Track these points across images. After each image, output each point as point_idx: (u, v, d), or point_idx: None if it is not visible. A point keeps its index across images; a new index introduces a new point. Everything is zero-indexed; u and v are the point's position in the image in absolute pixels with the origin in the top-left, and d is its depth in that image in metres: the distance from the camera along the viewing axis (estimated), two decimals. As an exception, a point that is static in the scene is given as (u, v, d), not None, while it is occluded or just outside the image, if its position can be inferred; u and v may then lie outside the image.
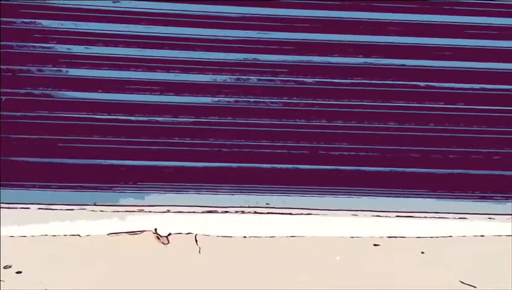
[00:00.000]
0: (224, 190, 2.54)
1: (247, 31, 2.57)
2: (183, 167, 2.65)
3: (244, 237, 2.34)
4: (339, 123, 2.69)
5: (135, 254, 2.12)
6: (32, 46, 2.48)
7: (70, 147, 2.58)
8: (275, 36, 2.57)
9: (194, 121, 2.54)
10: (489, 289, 1.99)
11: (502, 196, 2.77)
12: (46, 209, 2.52)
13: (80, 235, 2.26)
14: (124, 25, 2.52)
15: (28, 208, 2.51)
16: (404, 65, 2.68)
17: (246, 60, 2.60)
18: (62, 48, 2.53)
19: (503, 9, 2.64)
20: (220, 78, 2.61)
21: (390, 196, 2.73)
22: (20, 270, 1.97)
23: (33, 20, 2.45)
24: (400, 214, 2.69)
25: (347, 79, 2.67)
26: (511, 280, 2.05)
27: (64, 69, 2.53)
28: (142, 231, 2.31)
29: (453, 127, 2.73)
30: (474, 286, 2.01)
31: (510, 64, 2.71)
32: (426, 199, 2.75)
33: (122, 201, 2.59)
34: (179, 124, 2.63)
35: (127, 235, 2.28)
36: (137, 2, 2.51)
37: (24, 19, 2.45)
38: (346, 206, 2.69)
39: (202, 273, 2.00)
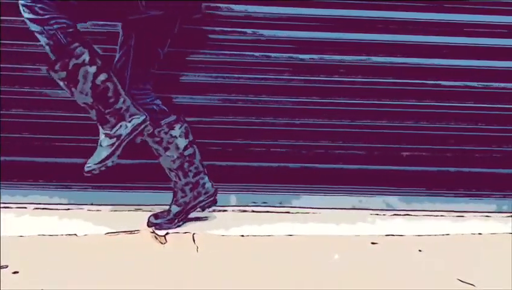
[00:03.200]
0: (222, 189, 2.54)
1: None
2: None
3: (242, 235, 2.33)
4: (338, 122, 2.69)
5: (133, 254, 2.12)
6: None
7: (68, 147, 2.58)
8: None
9: (191, 121, 2.53)
10: (488, 287, 1.99)
11: (499, 194, 2.78)
12: (43, 209, 2.52)
13: (76, 235, 2.25)
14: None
15: (25, 207, 2.51)
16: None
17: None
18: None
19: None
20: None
21: (388, 195, 2.74)
22: (17, 271, 1.96)
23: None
24: (398, 212, 2.70)
25: (349, 78, 2.68)
26: (510, 278, 2.05)
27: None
28: (139, 231, 2.31)
29: (450, 126, 2.73)
30: (472, 284, 2.00)
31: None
32: (424, 197, 2.75)
33: (119, 200, 2.59)
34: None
35: (124, 234, 2.28)
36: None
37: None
38: (344, 205, 2.69)
39: (200, 273, 2.00)
